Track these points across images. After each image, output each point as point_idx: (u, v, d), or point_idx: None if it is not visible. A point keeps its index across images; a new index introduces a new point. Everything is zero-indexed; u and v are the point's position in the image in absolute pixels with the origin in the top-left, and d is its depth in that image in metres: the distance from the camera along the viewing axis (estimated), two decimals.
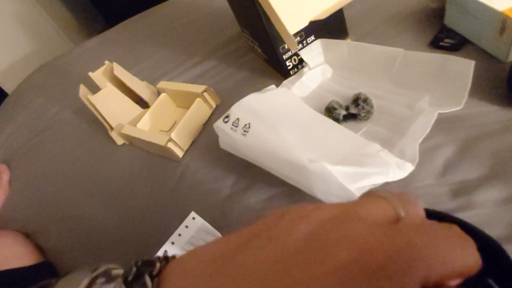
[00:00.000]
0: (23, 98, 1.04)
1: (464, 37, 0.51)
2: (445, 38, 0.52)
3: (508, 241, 0.33)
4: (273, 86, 0.54)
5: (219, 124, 0.47)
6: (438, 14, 0.55)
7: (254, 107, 0.45)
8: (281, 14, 0.44)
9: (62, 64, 1.08)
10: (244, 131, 0.42)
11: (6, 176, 0.80)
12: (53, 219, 0.66)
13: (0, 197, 0.76)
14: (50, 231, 0.64)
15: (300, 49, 0.56)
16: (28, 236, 0.66)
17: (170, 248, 0.46)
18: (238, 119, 0.44)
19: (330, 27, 0.57)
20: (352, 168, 0.36)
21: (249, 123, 0.42)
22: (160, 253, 0.47)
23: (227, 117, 0.46)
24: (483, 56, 0.48)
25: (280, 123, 0.43)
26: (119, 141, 0.69)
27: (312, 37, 0.56)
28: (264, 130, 0.41)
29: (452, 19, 0.52)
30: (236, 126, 0.44)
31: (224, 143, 0.47)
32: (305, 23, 0.46)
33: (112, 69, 0.68)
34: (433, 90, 0.44)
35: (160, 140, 0.57)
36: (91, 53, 1.06)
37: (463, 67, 0.40)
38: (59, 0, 2.31)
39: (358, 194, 0.34)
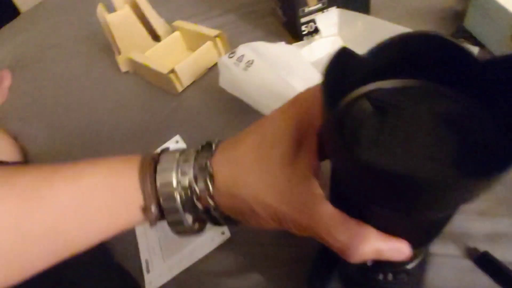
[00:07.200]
0: (40, 15, 1.05)
1: (478, 41, 0.52)
2: (460, 38, 0.53)
3: (475, 214, 0.34)
4: (282, 42, 0.54)
5: (223, 59, 0.48)
6: (458, 16, 0.56)
7: (260, 50, 0.46)
8: None
9: None
10: (247, 66, 0.43)
11: (7, 82, 0.81)
12: (43, 127, 0.67)
13: None
14: (38, 138, 0.66)
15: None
16: (16, 139, 0.67)
17: None
18: (243, 55, 0.45)
19: (354, 4, 0.58)
20: None
21: (252, 60, 0.43)
22: None
23: (232, 53, 0.47)
24: None
25: (281, 68, 0.44)
26: (124, 67, 0.70)
27: (334, 8, 0.57)
28: (265, 68, 0.42)
29: (471, 21, 0.53)
30: (240, 62, 0.45)
31: (224, 80, 0.48)
32: None
33: None
34: None
35: (163, 68, 0.58)
36: None
37: None
38: None
39: None
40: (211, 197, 0.21)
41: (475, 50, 0.41)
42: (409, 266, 0.26)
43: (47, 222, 0.20)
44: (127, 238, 0.45)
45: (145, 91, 0.65)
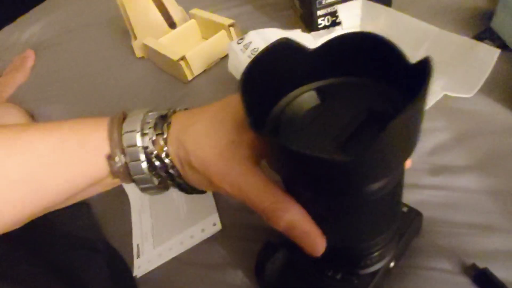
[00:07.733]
0: (65, 0, 1.07)
1: (505, 43, 0.48)
2: (486, 39, 0.49)
3: (479, 228, 0.32)
4: (298, 30, 0.53)
5: (232, 44, 0.47)
6: (487, 17, 0.52)
7: (271, 38, 0.44)
8: None
9: None
10: (252, 54, 0.42)
11: (30, 62, 0.84)
12: (59, 108, 0.69)
13: (20, 79, 0.80)
14: (53, 117, 0.67)
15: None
16: (32, 118, 0.69)
17: None
18: (250, 42, 0.44)
19: None
20: None
21: (258, 48, 0.42)
22: None
23: (241, 39, 0.46)
24: None
25: None
26: (138, 53, 0.70)
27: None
28: None
29: (499, 22, 0.49)
30: (246, 48, 0.43)
31: (231, 65, 0.47)
32: None
33: None
34: (453, 73, 0.42)
35: (174, 55, 0.57)
36: None
37: (487, 55, 0.38)
38: None
39: None
40: (164, 140, 0.23)
41: (496, 52, 0.38)
42: (361, 271, 0.26)
43: (23, 167, 0.21)
44: (123, 222, 0.45)
45: (156, 78, 0.65)
